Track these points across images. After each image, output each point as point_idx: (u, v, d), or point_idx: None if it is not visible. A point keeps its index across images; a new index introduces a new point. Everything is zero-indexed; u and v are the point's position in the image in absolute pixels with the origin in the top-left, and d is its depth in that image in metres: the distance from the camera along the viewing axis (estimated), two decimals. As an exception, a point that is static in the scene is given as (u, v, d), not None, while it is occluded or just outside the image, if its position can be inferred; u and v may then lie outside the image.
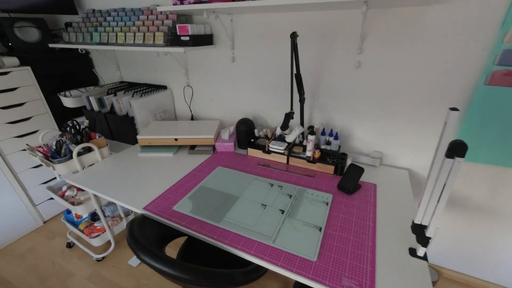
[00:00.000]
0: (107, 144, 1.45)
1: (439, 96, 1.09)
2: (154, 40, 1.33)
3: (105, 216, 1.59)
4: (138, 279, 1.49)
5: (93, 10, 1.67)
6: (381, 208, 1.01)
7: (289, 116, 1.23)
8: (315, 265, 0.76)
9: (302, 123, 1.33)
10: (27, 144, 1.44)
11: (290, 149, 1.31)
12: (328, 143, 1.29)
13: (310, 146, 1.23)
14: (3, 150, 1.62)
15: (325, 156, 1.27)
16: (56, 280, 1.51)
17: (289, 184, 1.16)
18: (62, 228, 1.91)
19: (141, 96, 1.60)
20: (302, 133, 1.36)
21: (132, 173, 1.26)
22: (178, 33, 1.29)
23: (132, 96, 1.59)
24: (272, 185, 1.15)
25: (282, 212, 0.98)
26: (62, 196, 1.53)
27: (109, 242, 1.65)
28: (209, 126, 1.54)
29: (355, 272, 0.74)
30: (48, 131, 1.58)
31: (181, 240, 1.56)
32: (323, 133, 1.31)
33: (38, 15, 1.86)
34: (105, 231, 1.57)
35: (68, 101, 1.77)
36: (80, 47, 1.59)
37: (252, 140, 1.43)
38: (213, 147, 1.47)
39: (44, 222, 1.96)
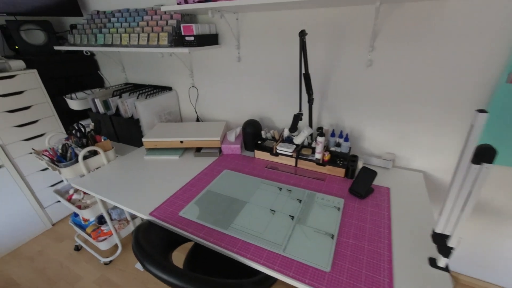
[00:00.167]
0: (113, 147, 1.44)
1: (455, 95, 1.03)
2: (158, 40, 1.30)
3: (111, 220, 1.58)
4: (145, 283, 1.48)
5: (98, 12, 1.66)
6: (396, 214, 0.96)
7: (297, 117, 1.18)
8: (328, 276, 0.73)
9: (310, 124, 1.28)
10: (32, 149, 1.43)
11: (299, 151, 1.27)
12: (338, 145, 1.25)
13: (319, 148, 1.19)
14: (11, 154, 1.63)
15: (335, 159, 1.22)
16: (64, 284, 1.51)
17: (298, 188, 1.12)
18: (70, 230, 1.91)
19: (146, 97, 1.58)
20: (311, 135, 1.32)
21: (137, 177, 1.24)
22: (183, 33, 1.26)
23: (137, 98, 1.57)
24: (280, 189, 1.11)
25: (292, 218, 0.95)
26: (69, 200, 1.52)
27: (116, 246, 1.64)
28: (215, 127, 1.51)
29: (371, 284, 0.70)
30: (54, 134, 1.57)
31: (188, 244, 1.54)
32: (332, 135, 1.27)
33: (43, 17, 1.86)
34: (112, 234, 1.56)
35: (74, 103, 1.76)
36: (84, 49, 1.58)
37: (259, 142, 1.40)
38: (219, 149, 1.44)
39: (53, 225, 1.97)
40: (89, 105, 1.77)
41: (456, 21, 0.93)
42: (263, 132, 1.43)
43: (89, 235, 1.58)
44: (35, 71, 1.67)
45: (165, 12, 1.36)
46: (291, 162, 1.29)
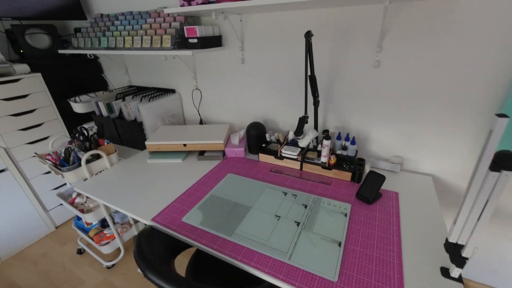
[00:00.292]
0: (116, 151, 1.43)
1: (466, 95, 1.00)
2: (161, 43, 1.29)
3: (114, 223, 1.57)
4: (148, 287, 1.46)
5: (101, 15, 1.66)
6: (405, 220, 0.93)
7: (303, 120, 1.16)
8: (336, 287, 0.70)
9: (316, 127, 1.26)
10: (35, 153, 1.43)
11: (304, 155, 1.24)
12: (344, 148, 1.22)
13: (325, 152, 1.16)
14: (15, 157, 1.63)
15: (341, 162, 1.19)
16: (68, 287, 1.50)
17: (303, 192, 1.09)
18: (73, 233, 1.91)
19: (149, 100, 1.57)
20: (316, 138, 1.29)
21: (140, 181, 1.22)
22: (186, 36, 1.25)
23: (141, 101, 1.56)
24: (285, 193, 1.09)
25: (298, 224, 0.92)
26: (72, 203, 1.52)
27: (119, 249, 1.63)
28: (219, 130, 1.49)
29: (381, 295, 0.67)
30: (57, 138, 1.57)
31: (192, 248, 1.52)
32: (338, 138, 1.24)
33: (48, 21, 1.86)
34: (115, 238, 1.55)
35: (78, 106, 1.76)
36: (88, 52, 1.57)
37: (263, 145, 1.37)
38: (223, 152, 1.41)
39: (56, 227, 1.97)
40: (92, 108, 1.77)
41: (467, 18, 0.89)
42: (267, 135, 1.41)
43: (91, 238, 1.57)
44: (39, 74, 1.67)
45: (168, 15, 1.35)
46: (296, 165, 1.27)
